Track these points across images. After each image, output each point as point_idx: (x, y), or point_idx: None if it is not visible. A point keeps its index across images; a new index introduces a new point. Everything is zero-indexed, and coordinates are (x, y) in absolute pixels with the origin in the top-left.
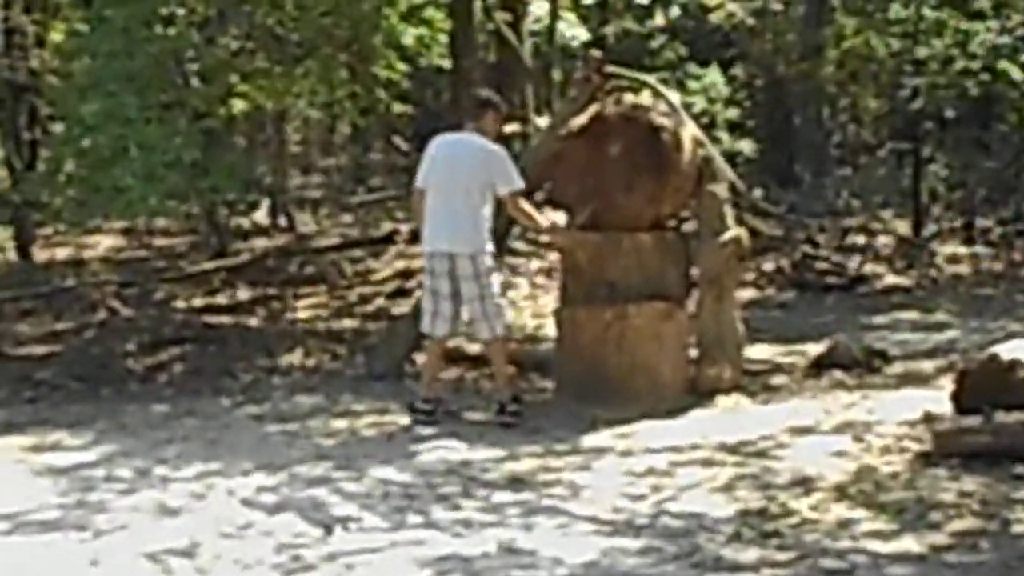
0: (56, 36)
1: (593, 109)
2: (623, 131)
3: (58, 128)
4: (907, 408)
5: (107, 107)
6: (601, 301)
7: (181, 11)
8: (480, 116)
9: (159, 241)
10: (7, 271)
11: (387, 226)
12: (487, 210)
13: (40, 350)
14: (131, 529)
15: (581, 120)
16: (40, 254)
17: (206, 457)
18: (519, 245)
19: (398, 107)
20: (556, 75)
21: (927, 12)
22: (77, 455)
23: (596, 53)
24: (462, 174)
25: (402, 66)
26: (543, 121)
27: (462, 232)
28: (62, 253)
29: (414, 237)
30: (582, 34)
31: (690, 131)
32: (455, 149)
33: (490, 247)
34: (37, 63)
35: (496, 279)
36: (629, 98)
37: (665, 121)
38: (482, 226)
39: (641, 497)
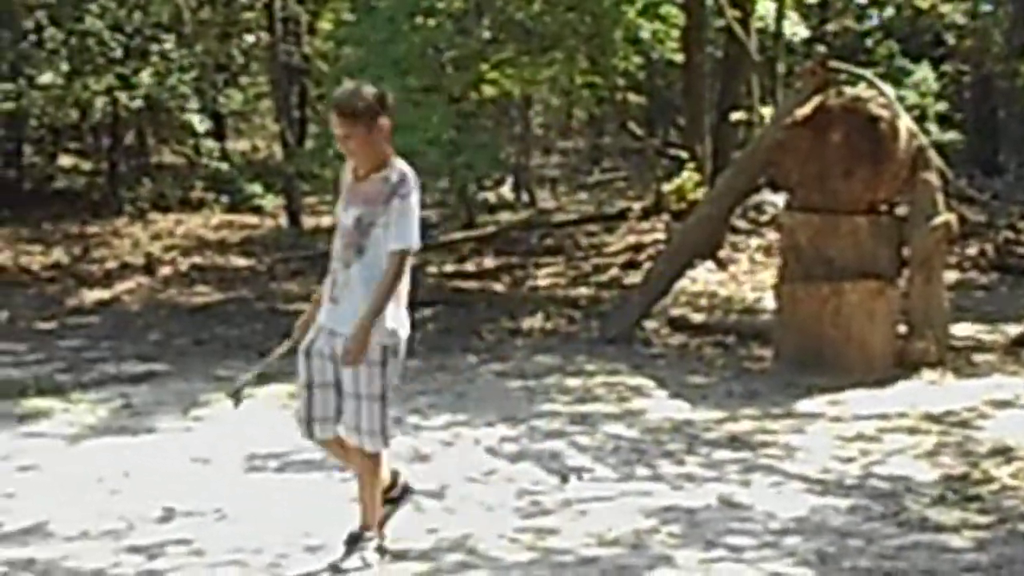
0: (325, 24)
1: (817, 100)
2: (844, 121)
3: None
4: None
5: None
6: (819, 278)
7: (441, 3)
8: None
9: None
10: (279, 236)
11: (620, 204)
12: None
13: (307, 307)
14: None
15: (805, 110)
16: (307, 221)
17: (454, 409)
18: (740, 223)
19: (632, 97)
20: (780, 68)
21: None
22: None
23: (821, 49)
24: None
25: (637, 58)
26: (767, 111)
27: None
28: (326, 221)
29: (645, 214)
30: (803, 31)
31: (905, 122)
32: None
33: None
34: (309, 49)
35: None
36: (850, 91)
37: (883, 112)
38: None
39: (850, 460)
